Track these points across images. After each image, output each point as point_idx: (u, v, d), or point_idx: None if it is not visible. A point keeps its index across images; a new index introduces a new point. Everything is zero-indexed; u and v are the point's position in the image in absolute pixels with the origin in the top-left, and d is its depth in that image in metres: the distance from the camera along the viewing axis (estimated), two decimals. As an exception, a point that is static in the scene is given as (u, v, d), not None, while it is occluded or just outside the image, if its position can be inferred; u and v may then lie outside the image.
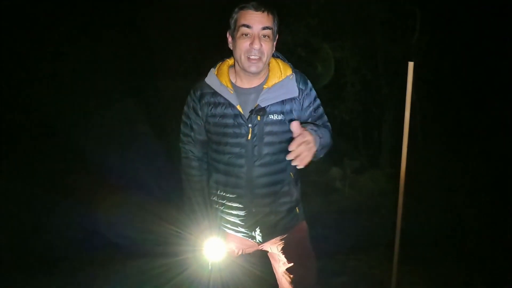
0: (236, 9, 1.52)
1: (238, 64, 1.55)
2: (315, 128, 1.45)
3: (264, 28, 1.48)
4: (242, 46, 1.49)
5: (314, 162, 1.39)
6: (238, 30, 1.50)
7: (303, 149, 1.27)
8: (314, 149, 1.32)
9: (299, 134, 1.27)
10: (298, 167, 1.30)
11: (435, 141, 5.17)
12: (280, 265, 1.76)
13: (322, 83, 5.43)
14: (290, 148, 1.26)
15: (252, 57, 1.49)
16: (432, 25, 5.28)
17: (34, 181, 4.11)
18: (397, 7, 5.36)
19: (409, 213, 2.87)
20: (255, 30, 1.48)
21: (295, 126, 1.27)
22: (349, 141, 5.88)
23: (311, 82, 1.65)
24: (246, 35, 1.49)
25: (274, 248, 1.76)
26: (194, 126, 1.66)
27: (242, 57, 1.51)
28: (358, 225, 4.07)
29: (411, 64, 2.29)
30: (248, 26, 1.48)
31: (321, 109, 1.66)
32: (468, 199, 4.11)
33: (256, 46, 1.48)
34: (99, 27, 5.17)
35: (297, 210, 1.74)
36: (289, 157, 1.27)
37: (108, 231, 3.35)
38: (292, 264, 1.72)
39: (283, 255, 1.73)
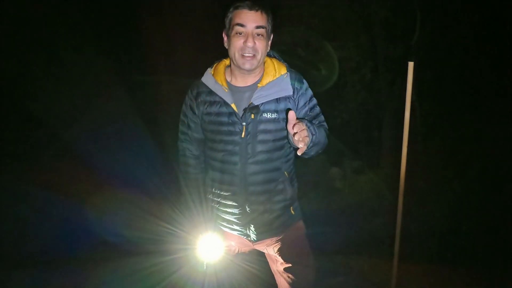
0: (231, 9, 1.54)
1: (233, 62, 1.57)
2: (309, 124, 1.47)
3: (257, 27, 1.51)
4: (236, 44, 1.52)
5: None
6: (232, 29, 1.53)
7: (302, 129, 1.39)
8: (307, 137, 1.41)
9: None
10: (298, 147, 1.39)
11: (435, 141, 5.16)
12: (278, 265, 1.76)
13: (323, 84, 5.42)
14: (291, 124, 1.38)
15: (246, 54, 1.52)
16: (432, 25, 5.27)
17: (27, 180, 4.09)
18: (397, 7, 5.36)
19: (409, 213, 2.86)
20: (249, 29, 1.50)
21: (291, 114, 1.36)
22: (349, 141, 5.85)
23: (312, 83, 1.66)
24: (240, 33, 1.52)
25: (271, 250, 1.75)
26: (191, 124, 1.69)
27: (236, 54, 1.53)
28: (358, 224, 4.06)
29: (411, 64, 2.30)
30: (242, 25, 1.50)
31: (317, 109, 1.67)
32: (468, 198, 4.10)
33: (250, 44, 1.50)
34: (98, 25, 5.16)
35: (292, 211, 1.73)
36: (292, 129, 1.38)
37: (101, 230, 3.34)
38: (290, 264, 1.71)
39: (280, 256, 1.72)
